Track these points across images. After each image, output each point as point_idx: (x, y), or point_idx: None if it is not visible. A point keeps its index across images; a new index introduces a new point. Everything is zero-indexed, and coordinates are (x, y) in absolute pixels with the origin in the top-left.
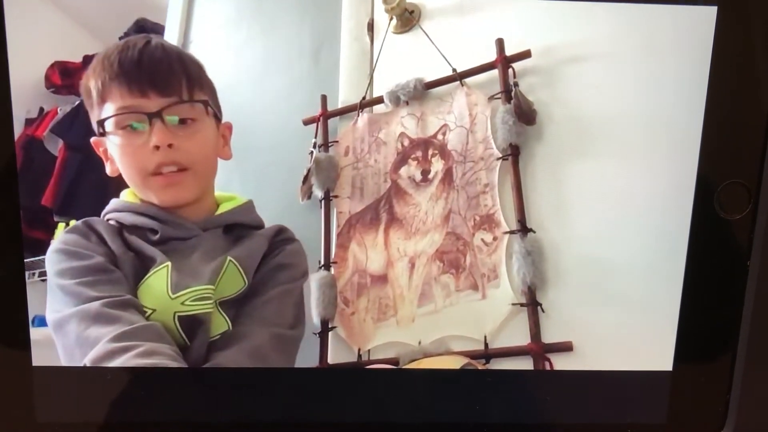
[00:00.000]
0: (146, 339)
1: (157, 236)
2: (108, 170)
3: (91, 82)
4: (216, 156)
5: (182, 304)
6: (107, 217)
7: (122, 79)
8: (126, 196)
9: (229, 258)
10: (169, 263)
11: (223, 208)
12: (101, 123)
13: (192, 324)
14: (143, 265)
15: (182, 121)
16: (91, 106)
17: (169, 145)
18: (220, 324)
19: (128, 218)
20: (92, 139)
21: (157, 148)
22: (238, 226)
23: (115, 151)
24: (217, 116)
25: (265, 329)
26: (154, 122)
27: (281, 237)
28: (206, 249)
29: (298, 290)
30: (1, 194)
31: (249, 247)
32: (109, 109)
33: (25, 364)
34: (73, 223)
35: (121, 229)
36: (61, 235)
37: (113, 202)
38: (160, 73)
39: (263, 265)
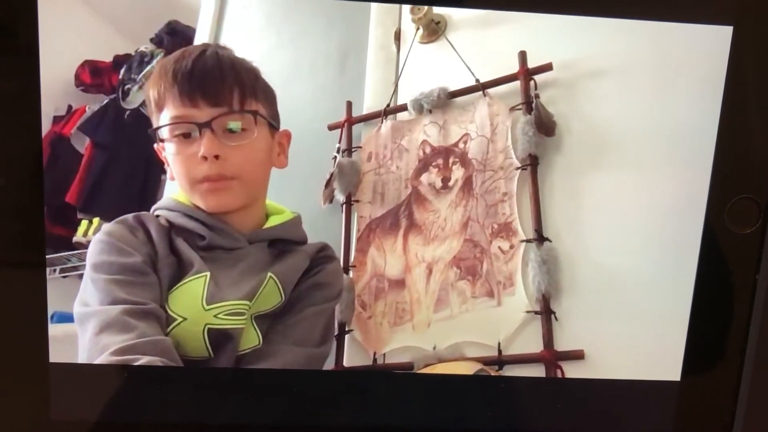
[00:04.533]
0: (149, 353)
1: (204, 242)
2: (168, 175)
3: (150, 91)
4: (268, 165)
5: (215, 316)
6: (157, 213)
7: (176, 88)
8: (178, 196)
9: (270, 274)
10: (208, 273)
11: (272, 222)
12: (155, 131)
13: (221, 338)
14: (181, 271)
15: (232, 131)
16: (151, 113)
17: (216, 156)
18: (252, 338)
19: (178, 219)
20: (155, 145)
21: (204, 158)
22: (283, 241)
23: (169, 158)
24: (273, 125)
25: (295, 348)
26: (204, 132)
27: (322, 254)
28: (250, 263)
29: (331, 310)
30: (27, 190)
31: (291, 264)
32: (165, 117)
33: (42, 359)
34: (96, 221)
35: (169, 229)
36: (108, 225)
37: (165, 200)
38: (211, 83)
39: (301, 283)
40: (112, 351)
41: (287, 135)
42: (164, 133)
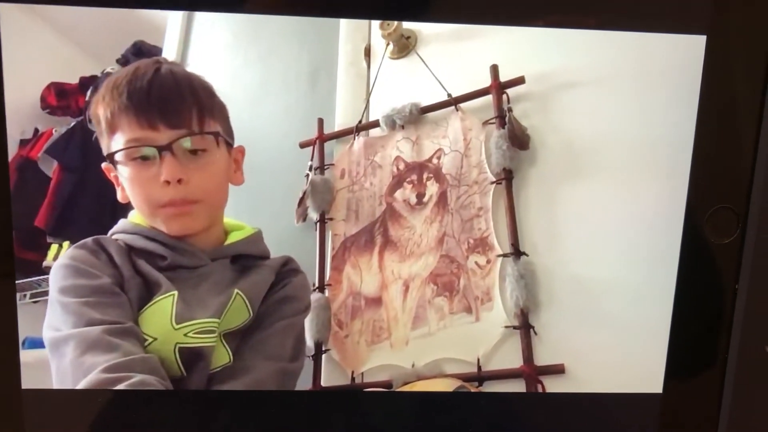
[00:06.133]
0: (140, 371)
1: (166, 263)
2: (119, 196)
3: (100, 110)
4: (227, 184)
5: (185, 335)
6: (114, 237)
7: (131, 110)
8: (135, 218)
9: (236, 291)
10: (175, 292)
11: (232, 238)
12: (111, 156)
13: (192, 356)
14: (148, 291)
15: (193, 152)
16: (101, 133)
17: (179, 180)
18: (222, 356)
19: (137, 241)
20: (103, 165)
21: (167, 183)
22: (246, 257)
23: (125, 181)
24: (229, 143)
25: (267, 363)
26: (164, 155)
27: (287, 268)
28: (215, 280)
29: (300, 323)
30: None
31: (256, 280)
32: (119, 140)
33: (14, 386)
34: (66, 245)
35: (129, 251)
36: (69, 250)
37: (122, 223)
38: (170, 105)
39: (268, 297)
40: (101, 369)
41: (241, 151)
42: (118, 156)
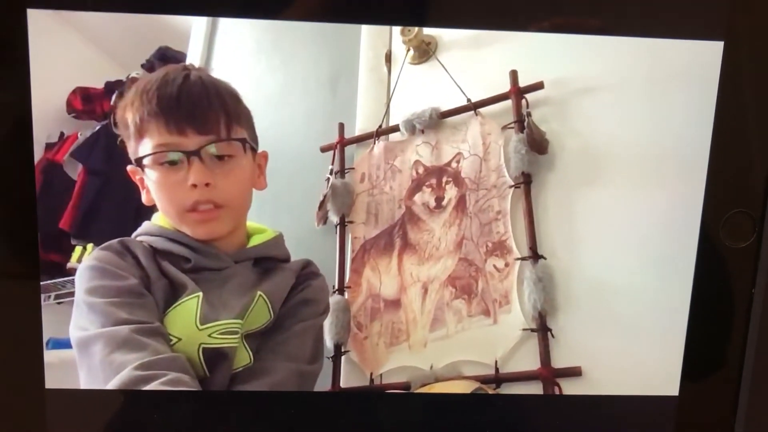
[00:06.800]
0: (172, 369)
1: (190, 265)
2: (144, 199)
3: (128, 115)
4: (251, 189)
5: (209, 336)
6: (139, 239)
7: (160, 116)
8: (159, 220)
9: (259, 292)
10: (200, 293)
11: (254, 241)
12: (139, 160)
13: (215, 357)
14: (174, 293)
15: (220, 158)
16: (128, 137)
17: (207, 184)
18: (243, 357)
19: (161, 243)
20: (129, 168)
21: (194, 186)
22: (268, 259)
23: (151, 185)
24: (254, 149)
25: (287, 365)
26: (192, 160)
27: (307, 271)
28: (238, 282)
29: (319, 325)
30: (20, 217)
31: (278, 282)
32: (147, 144)
33: (38, 386)
34: (90, 247)
35: (154, 252)
36: (95, 252)
37: (146, 225)
38: (199, 111)
39: (289, 299)
40: (134, 366)
41: (265, 156)
42: (146, 160)
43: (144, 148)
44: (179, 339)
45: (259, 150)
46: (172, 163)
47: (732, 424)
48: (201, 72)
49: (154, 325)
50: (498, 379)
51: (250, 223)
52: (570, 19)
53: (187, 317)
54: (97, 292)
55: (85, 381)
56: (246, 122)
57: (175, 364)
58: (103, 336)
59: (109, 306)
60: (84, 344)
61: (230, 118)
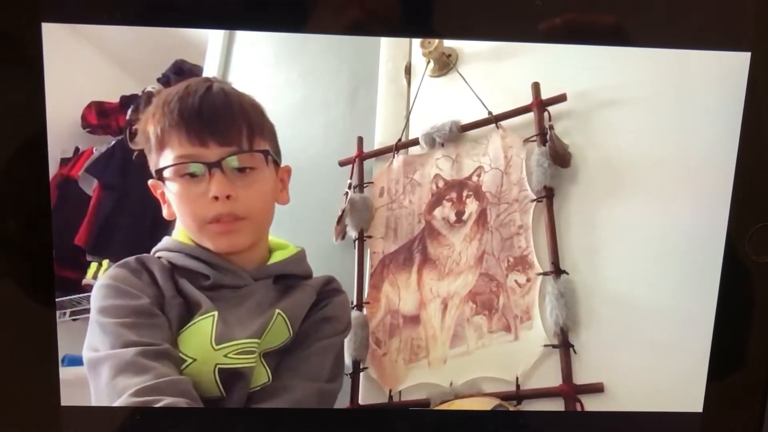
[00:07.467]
0: (169, 394)
1: (209, 282)
2: (165, 213)
3: (150, 127)
4: (273, 202)
5: (225, 356)
6: (158, 255)
7: (182, 127)
8: (179, 236)
9: (278, 311)
10: (215, 312)
11: (275, 258)
12: (160, 172)
13: (232, 377)
14: (189, 312)
15: (241, 170)
16: (149, 150)
17: (228, 197)
18: (261, 375)
19: (180, 260)
20: (150, 182)
21: (216, 198)
22: (289, 276)
23: (172, 197)
24: (276, 162)
25: (306, 384)
26: (213, 172)
27: (329, 287)
28: (257, 300)
29: (339, 343)
30: (35, 233)
31: (298, 299)
32: (168, 156)
33: (54, 403)
34: (105, 263)
35: (172, 269)
36: (111, 270)
37: (166, 241)
38: (221, 123)
39: (309, 317)
40: (132, 392)
41: (288, 170)
42: (167, 172)
43: (165, 159)
44: (194, 360)
45: (282, 164)
46: (193, 175)
47: None
48: (223, 84)
49: (161, 347)
50: (519, 395)
51: (272, 237)
52: (593, 30)
53: (202, 337)
54: (108, 312)
55: (95, 401)
56: (269, 135)
57: (173, 389)
58: (109, 358)
59: (118, 327)
60: (93, 366)
61: (252, 130)
